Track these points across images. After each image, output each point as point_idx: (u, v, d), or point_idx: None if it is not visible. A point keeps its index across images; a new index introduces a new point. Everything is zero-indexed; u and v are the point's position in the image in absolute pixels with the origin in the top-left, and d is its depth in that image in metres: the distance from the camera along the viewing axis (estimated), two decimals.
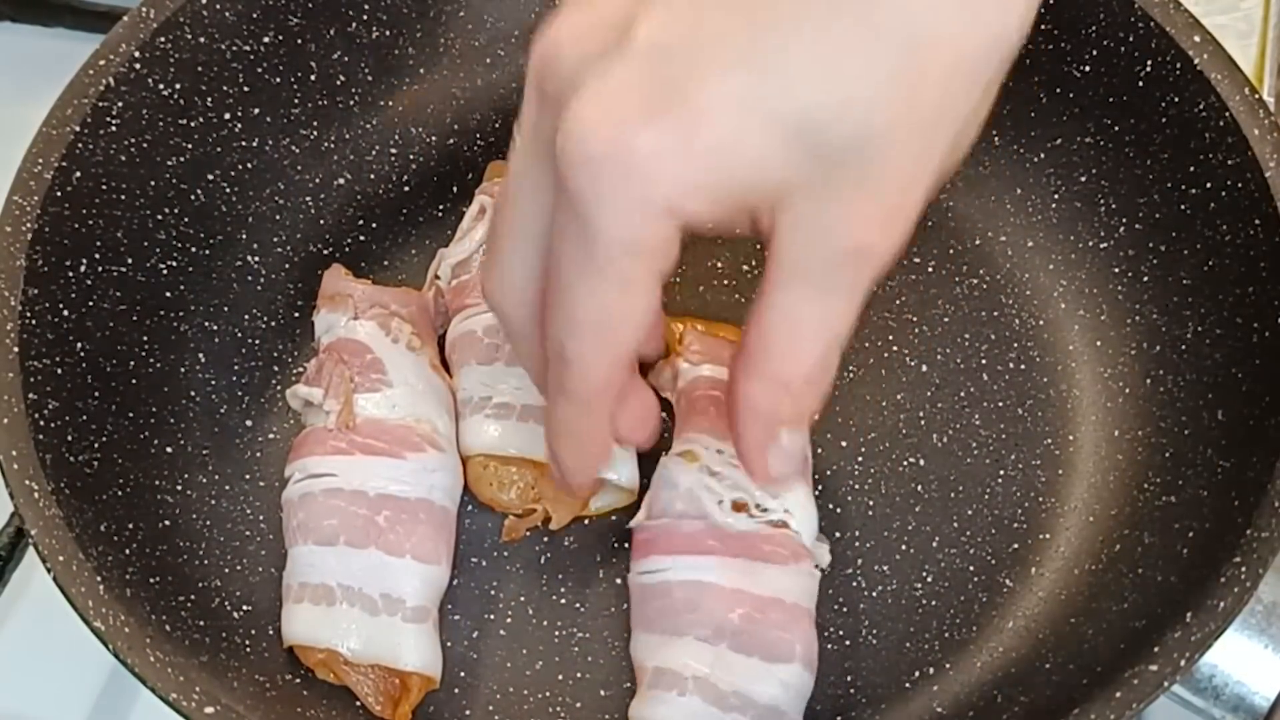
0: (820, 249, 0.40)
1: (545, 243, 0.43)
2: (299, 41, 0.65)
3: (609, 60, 0.39)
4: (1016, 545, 0.60)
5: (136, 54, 0.60)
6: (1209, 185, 0.60)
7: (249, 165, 0.65)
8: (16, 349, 0.54)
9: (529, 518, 0.59)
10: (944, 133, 0.41)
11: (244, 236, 0.65)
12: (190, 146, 0.63)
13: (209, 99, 0.63)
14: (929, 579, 0.59)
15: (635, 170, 0.38)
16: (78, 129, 0.58)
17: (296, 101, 0.66)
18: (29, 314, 0.55)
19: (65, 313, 0.57)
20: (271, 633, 0.57)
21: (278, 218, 0.66)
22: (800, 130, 0.38)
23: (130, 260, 0.60)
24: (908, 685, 0.57)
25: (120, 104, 0.59)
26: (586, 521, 0.60)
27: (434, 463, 0.58)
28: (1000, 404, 0.63)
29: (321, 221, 0.67)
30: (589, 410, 0.45)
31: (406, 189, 0.69)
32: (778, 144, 0.38)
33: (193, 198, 0.63)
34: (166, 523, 0.58)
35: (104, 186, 0.59)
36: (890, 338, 0.65)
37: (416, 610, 0.56)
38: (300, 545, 0.57)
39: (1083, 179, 0.65)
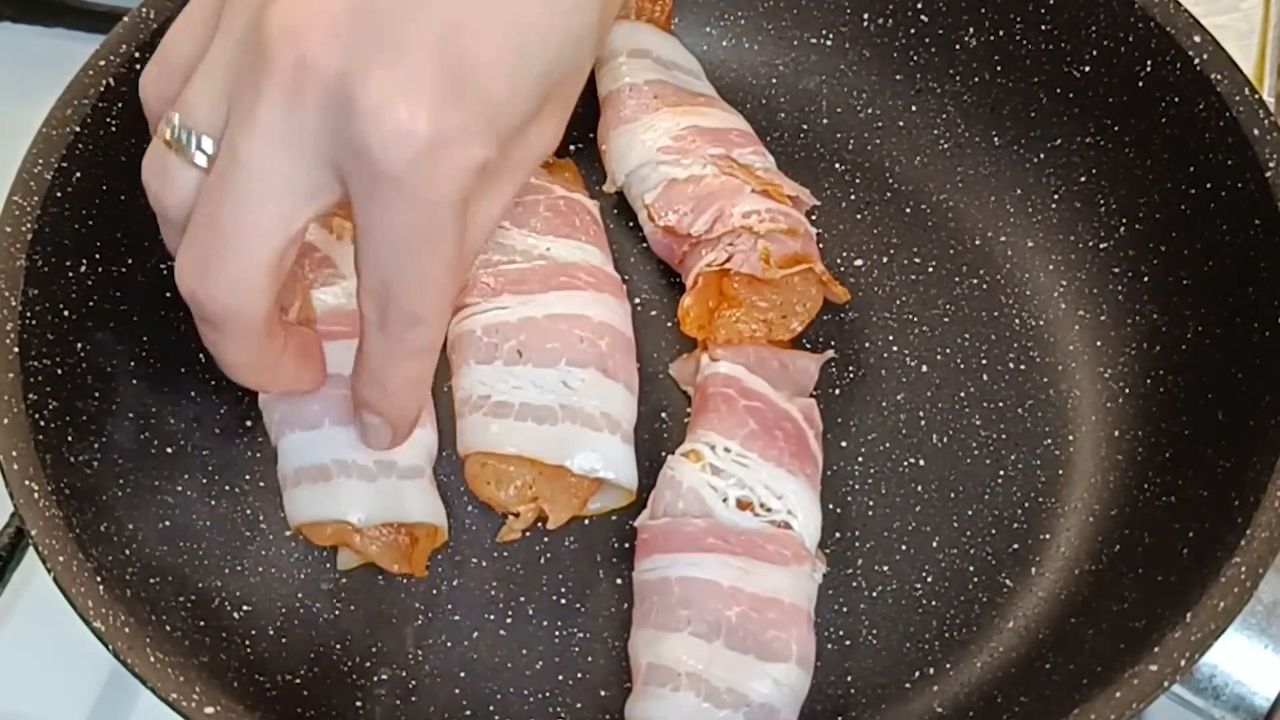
0: (525, 158, 0.49)
1: (296, 240, 0.46)
2: None
3: (392, 54, 0.43)
4: (1016, 545, 0.60)
5: (136, 54, 0.60)
6: (1209, 185, 0.60)
7: None
8: (16, 349, 0.54)
9: (525, 517, 0.59)
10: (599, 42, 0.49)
11: None
12: None
13: None
14: (929, 579, 0.59)
15: (463, 140, 0.43)
16: (78, 129, 0.58)
17: None
18: (29, 314, 0.55)
19: (65, 313, 0.57)
20: (271, 633, 0.57)
21: None
22: (545, 73, 0.46)
23: (130, 260, 0.60)
24: (908, 685, 0.57)
25: (120, 104, 0.59)
26: (586, 521, 0.60)
27: None
28: (1000, 404, 0.63)
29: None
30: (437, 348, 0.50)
31: None
32: (534, 90, 0.46)
33: None
34: (166, 523, 0.58)
35: (104, 186, 0.59)
36: (890, 338, 0.65)
37: (410, 469, 0.57)
38: (287, 436, 0.58)
39: (1083, 179, 0.65)
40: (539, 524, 0.60)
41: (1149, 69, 0.62)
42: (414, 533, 0.58)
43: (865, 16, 0.69)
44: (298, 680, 0.56)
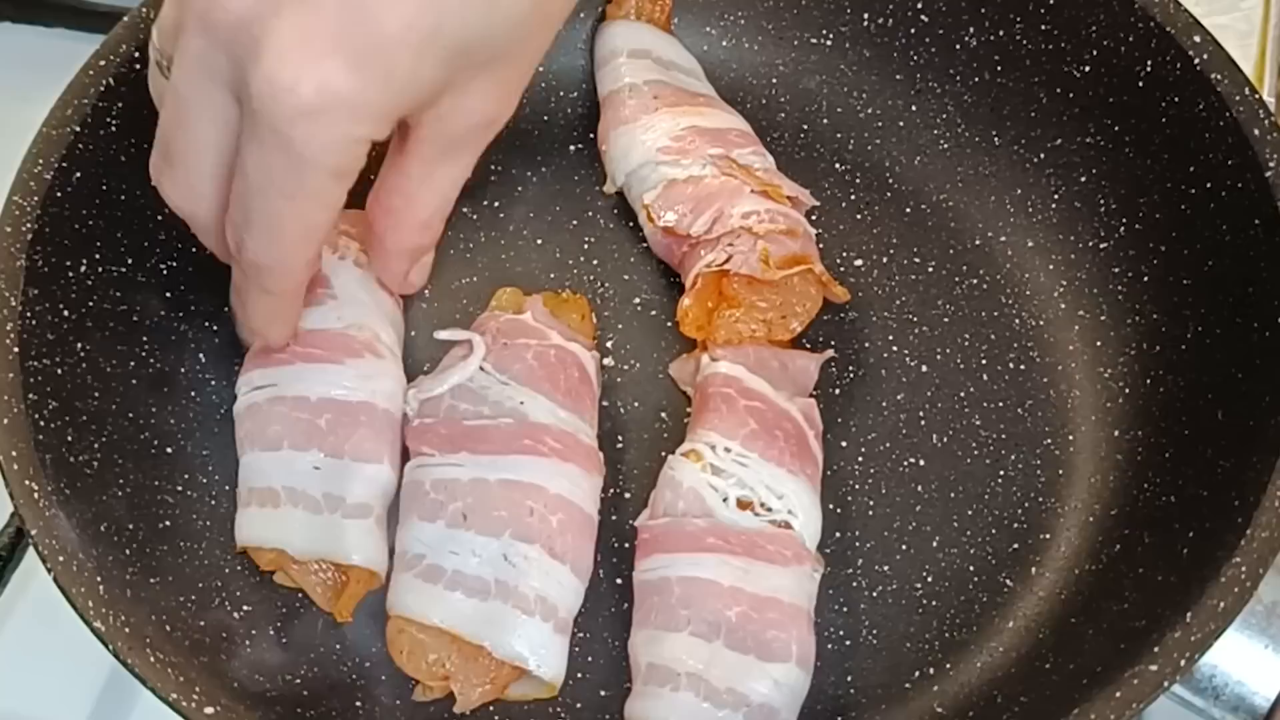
0: (459, 128, 0.51)
1: (227, 155, 0.49)
2: None
3: (293, 3, 0.44)
4: (1016, 545, 0.60)
5: (136, 54, 0.60)
6: (1209, 185, 0.60)
7: None
8: (16, 349, 0.54)
9: (434, 690, 0.55)
10: (556, 26, 0.51)
11: None
12: None
13: None
14: (929, 579, 0.59)
15: (343, 113, 0.45)
16: (78, 129, 0.58)
17: None
18: (29, 314, 0.55)
19: (65, 313, 0.57)
20: (271, 633, 0.57)
21: None
22: (462, 50, 0.47)
23: (130, 260, 0.60)
24: (908, 685, 0.57)
25: (120, 104, 0.59)
26: None
27: (373, 369, 0.59)
28: (1000, 404, 0.63)
29: None
30: (291, 297, 0.54)
31: None
32: (444, 65, 0.47)
33: None
34: (166, 523, 0.58)
35: (104, 186, 0.59)
36: (890, 338, 0.65)
37: (358, 507, 0.57)
38: (249, 453, 0.58)
39: (1083, 179, 0.65)
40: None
41: (1149, 69, 0.62)
42: (349, 574, 0.56)
43: (865, 16, 0.69)
44: (298, 680, 0.56)
